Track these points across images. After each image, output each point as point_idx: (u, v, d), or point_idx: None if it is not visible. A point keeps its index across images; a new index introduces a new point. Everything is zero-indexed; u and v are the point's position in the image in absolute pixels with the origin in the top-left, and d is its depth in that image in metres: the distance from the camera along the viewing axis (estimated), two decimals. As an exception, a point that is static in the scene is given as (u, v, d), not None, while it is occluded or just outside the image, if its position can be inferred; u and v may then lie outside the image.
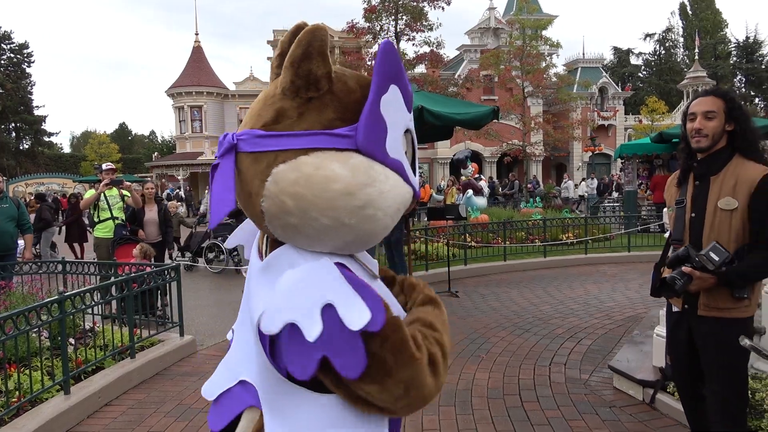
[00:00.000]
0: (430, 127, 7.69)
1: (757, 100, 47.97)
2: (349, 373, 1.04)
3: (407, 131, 1.20)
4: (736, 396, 2.55)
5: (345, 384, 1.08)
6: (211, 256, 11.20)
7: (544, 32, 26.13)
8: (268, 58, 41.57)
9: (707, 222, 2.52)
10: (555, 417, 3.94)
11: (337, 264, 1.11)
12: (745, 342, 2.26)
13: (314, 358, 1.04)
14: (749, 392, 2.92)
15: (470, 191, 15.51)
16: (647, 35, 52.52)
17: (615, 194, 21.86)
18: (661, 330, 4.18)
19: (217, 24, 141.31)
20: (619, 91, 40.28)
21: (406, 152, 1.20)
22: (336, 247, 1.15)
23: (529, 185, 25.21)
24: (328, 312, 1.02)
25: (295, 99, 1.13)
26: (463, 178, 17.30)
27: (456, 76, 23.26)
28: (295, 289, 1.07)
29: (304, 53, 1.09)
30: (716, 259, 2.37)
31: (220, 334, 6.33)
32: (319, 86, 1.12)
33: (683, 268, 2.45)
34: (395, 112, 1.14)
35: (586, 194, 23.56)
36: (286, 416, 1.17)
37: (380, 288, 1.24)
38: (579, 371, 4.84)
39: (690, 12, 51.33)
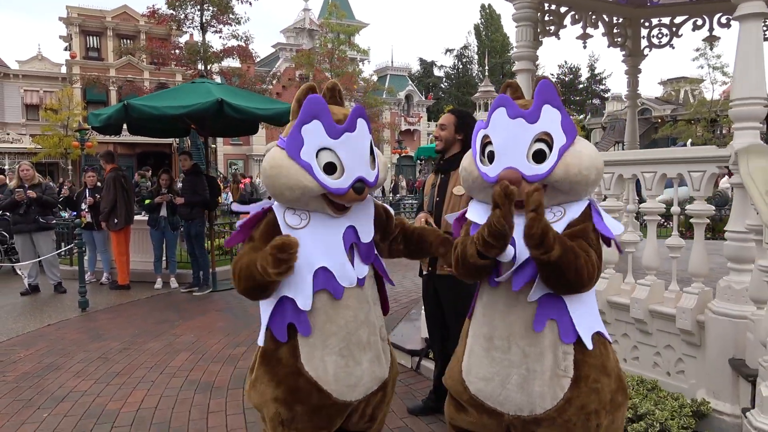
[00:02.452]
0: (231, 121, 7.74)
1: (534, 114, 55.57)
2: None
3: (327, 150, 2.08)
4: None
5: None
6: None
7: (354, 38, 27.32)
8: (61, 37, 37.04)
9: (446, 203, 3.36)
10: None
11: (277, 207, 2.23)
12: None
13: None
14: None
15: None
16: (448, 50, 57.78)
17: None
18: (427, 305, 4.83)
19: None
20: (423, 99, 43.73)
21: (331, 162, 2.08)
22: (271, 195, 2.22)
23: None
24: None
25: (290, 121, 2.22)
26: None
27: (271, 73, 23.21)
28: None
29: (294, 99, 2.21)
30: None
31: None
32: (293, 117, 2.17)
33: None
34: (312, 136, 2.08)
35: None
36: None
37: (303, 233, 2.14)
38: (363, 348, 5.33)
39: (483, 33, 57.53)
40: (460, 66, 57.22)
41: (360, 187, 2.12)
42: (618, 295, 3.85)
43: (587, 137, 39.42)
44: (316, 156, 2.08)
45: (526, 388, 2.02)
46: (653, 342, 3.67)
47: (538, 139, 2.00)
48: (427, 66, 57.15)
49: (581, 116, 50.08)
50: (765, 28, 6.47)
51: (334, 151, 2.08)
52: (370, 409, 2.32)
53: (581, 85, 55.09)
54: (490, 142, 2.06)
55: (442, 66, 58.19)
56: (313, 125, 2.07)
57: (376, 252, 2.38)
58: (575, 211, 2.06)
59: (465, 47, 57.42)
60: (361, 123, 2.16)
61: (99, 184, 8.58)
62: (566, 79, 54.62)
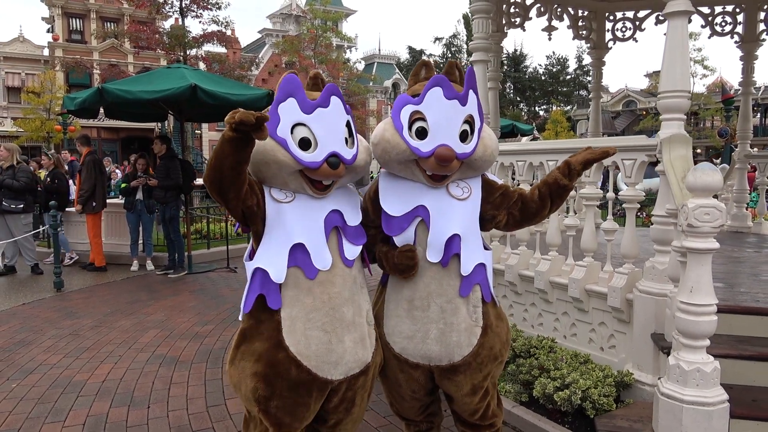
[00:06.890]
0: (207, 106, 7.84)
1: (522, 105, 55.79)
2: None
3: (302, 125, 2.11)
4: None
5: None
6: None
7: (341, 25, 27.26)
8: (43, 19, 36.55)
9: None
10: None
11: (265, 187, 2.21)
12: None
13: None
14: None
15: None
16: (437, 39, 57.58)
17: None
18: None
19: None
20: (410, 87, 43.74)
21: (306, 138, 2.11)
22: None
23: None
24: None
25: None
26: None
27: (252, 60, 23.16)
28: None
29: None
30: None
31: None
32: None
33: None
34: (288, 113, 2.11)
35: None
36: None
37: (287, 207, 2.18)
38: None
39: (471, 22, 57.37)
40: (449, 55, 57.05)
41: (334, 161, 2.12)
42: (559, 276, 4.09)
43: (573, 128, 39.86)
44: (291, 132, 2.10)
45: (444, 340, 2.33)
46: (589, 319, 3.91)
47: (465, 121, 2.25)
48: (416, 54, 56.84)
49: (568, 107, 50.40)
50: (720, 25, 6.70)
51: (308, 126, 2.11)
52: (351, 393, 2.31)
53: (568, 77, 55.40)
54: (421, 119, 2.22)
55: (431, 55, 57.91)
56: (288, 103, 2.11)
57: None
58: (476, 185, 2.39)
59: (454, 36, 57.11)
60: (335, 100, 2.19)
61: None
62: (554, 69, 54.89)
